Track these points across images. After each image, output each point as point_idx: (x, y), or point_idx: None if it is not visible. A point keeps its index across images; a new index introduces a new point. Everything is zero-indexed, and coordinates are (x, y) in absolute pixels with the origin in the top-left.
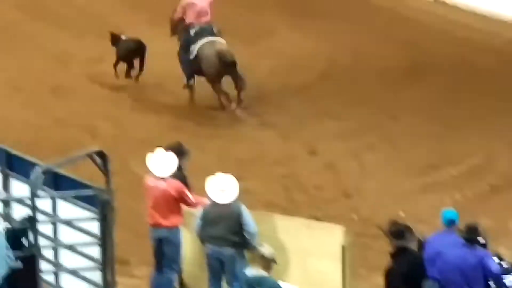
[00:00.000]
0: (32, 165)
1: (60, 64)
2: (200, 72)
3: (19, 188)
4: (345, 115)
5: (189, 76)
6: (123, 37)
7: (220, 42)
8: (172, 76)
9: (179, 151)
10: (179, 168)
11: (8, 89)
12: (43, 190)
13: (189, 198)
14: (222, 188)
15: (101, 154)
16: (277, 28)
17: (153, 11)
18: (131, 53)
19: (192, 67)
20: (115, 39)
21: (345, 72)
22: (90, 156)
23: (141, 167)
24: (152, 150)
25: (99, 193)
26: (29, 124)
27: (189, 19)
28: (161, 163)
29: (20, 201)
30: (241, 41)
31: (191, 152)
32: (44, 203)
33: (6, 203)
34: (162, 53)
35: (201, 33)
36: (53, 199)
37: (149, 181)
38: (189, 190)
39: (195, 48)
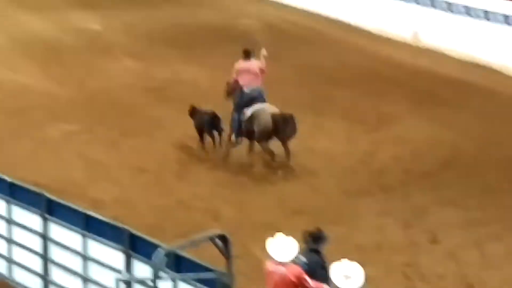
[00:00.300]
0: (155, 246)
1: (184, 147)
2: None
3: (141, 269)
4: (468, 204)
5: (237, 135)
6: (199, 109)
7: (273, 108)
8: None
9: (319, 237)
10: (317, 252)
11: (132, 171)
12: (165, 271)
13: (309, 284)
14: (347, 275)
15: (223, 238)
16: (400, 114)
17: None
18: (207, 124)
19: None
20: (193, 112)
21: (468, 160)
22: (212, 239)
23: (263, 251)
24: (273, 235)
25: (220, 276)
26: (152, 206)
27: (242, 82)
28: (282, 248)
29: (142, 282)
30: (364, 127)
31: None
32: (165, 285)
33: (128, 284)
34: None
35: (254, 97)
36: (174, 281)
37: (269, 266)
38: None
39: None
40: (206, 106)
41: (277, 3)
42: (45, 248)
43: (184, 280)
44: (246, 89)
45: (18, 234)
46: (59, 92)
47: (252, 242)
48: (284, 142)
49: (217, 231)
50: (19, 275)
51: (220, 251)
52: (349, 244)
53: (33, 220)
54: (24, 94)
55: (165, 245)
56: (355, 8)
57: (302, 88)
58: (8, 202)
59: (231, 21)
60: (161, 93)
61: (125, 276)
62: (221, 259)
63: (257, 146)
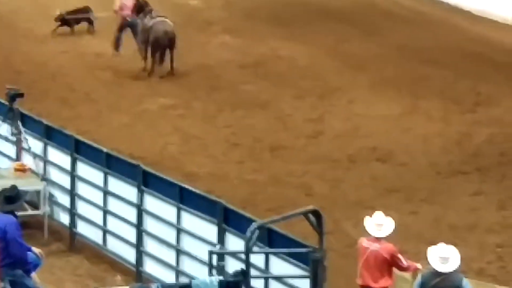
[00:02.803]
0: (248, 220)
1: (280, 123)
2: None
3: (234, 242)
4: None
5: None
6: None
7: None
8: (392, 141)
9: None
10: None
11: (227, 145)
12: (257, 245)
13: (402, 262)
14: (444, 256)
15: (316, 213)
16: (498, 96)
17: (373, 73)
18: None
19: None
20: None
21: None
22: (305, 214)
23: (354, 228)
24: (365, 212)
25: (312, 251)
26: (245, 180)
27: None
28: (379, 225)
29: (234, 255)
30: (460, 107)
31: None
32: (257, 259)
33: (221, 257)
34: (381, 117)
35: None
36: (266, 255)
37: (363, 242)
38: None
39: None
40: (303, 84)
41: None
42: (140, 219)
43: (276, 255)
44: None
45: (114, 205)
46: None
47: (344, 218)
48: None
49: (310, 206)
50: (114, 245)
51: (313, 226)
52: (442, 223)
53: (129, 191)
54: (124, 68)
55: (258, 219)
56: None
57: (400, 68)
58: (105, 172)
59: None
60: (258, 69)
61: (218, 248)
62: (312, 235)
63: None
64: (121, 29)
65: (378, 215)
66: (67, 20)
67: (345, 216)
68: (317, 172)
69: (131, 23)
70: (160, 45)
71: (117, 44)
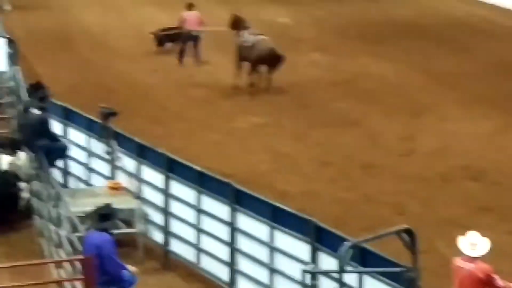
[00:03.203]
0: (340, 239)
1: (371, 141)
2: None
3: (327, 261)
4: None
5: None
6: None
7: None
8: (485, 159)
9: None
10: None
11: (317, 164)
12: (350, 264)
13: (497, 282)
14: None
15: (409, 232)
16: None
17: (463, 90)
18: None
19: None
20: None
21: None
22: (398, 233)
23: (448, 247)
24: (458, 231)
25: (405, 271)
26: (337, 199)
27: None
28: (472, 245)
29: (327, 274)
30: None
31: None
32: (350, 278)
33: (314, 275)
34: (473, 134)
35: None
36: (360, 274)
37: (458, 262)
38: None
39: None
40: (394, 101)
41: None
42: (233, 237)
43: (370, 274)
44: None
45: (207, 223)
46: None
47: (437, 237)
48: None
49: (403, 225)
50: (207, 263)
51: (406, 245)
52: None
53: (222, 209)
54: (216, 86)
55: (350, 238)
56: None
57: (492, 84)
58: (197, 191)
59: (420, 16)
60: (348, 87)
61: (311, 267)
62: (406, 254)
63: None
64: (184, 42)
65: (473, 234)
66: (161, 38)
67: (438, 235)
68: (409, 190)
69: (194, 36)
70: (264, 63)
71: (180, 56)
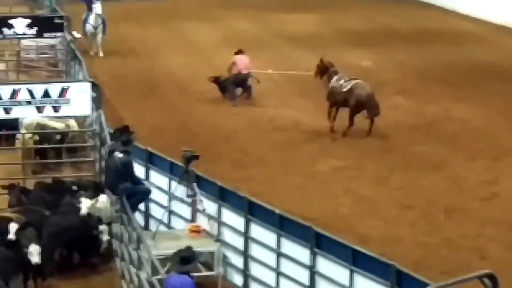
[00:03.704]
0: (422, 283)
1: (454, 185)
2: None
3: None
4: None
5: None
6: None
7: None
8: None
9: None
10: None
11: (398, 208)
12: None
13: None
14: None
15: (491, 278)
16: None
17: None
18: None
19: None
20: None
21: None
22: (480, 278)
23: None
24: None
25: None
26: (418, 243)
27: None
28: None
29: None
30: None
31: None
32: None
33: None
34: None
35: None
36: None
37: None
38: None
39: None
40: (477, 145)
41: None
42: (313, 281)
43: None
44: None
45: (287, 267)
46: (328, 127)
47: None
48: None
49: (486, 270)
50: None
51: None
52: None
53: (302, 253)
54: (297, 129)
55: (431, 283)
56: None
57: None
58: (277, 234)
59: (503, 59)
60: (431, 130)
61: None
62: None
63: None
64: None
65: None
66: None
67: None
68: (492, 235)
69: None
70: (363, 108)
71: (233, 98)
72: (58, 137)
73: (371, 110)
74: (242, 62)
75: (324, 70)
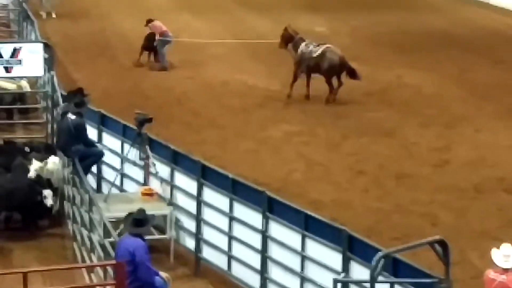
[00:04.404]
0: (373, 249)
1: (405, 151)
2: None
3: (358, 270)
4: None
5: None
6: None
7: None
8: (511, 169)
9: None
10: None
11: (350, 174)
12: (382, 274)
13: None
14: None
15: (442, 243)
16: None
17: (499, 102)
18: None
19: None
20: None
21: None
22: (431, 244)
23: (480, 259)
24: (494, 244)
25: (437, 282)
26: (370, 208)
27: None
28: (506, 256)
29: (359, 283)
30: None
31: None
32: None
33: (346, 285)
34: (509, 146)
35: None
36: (391, 285)
37: (490, 274)
38: None
39: None
40: (429, 112)
41: (504, 9)
42: (265, 245)
43: (401, 284)
44: None
45: (239, 231)
46: (282, 92)
47: (470, 249)
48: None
49: (436, 236)
50: (238, 270)
51: (439, 256)
52: None
53: (254, 217)
54: (250, 94)
55: (383, 248)
56: None
57: None
58: (230, 198)
59: (456, 27)
60: (383, 97)
61: (343, 277)
62: (438, 265)
63: None
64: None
65: (506, 246)
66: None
67: (471, 246)
68: (443, 201)
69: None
70: (336, 72)
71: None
72: (9, 98)
73: (352, 74)
74: (158, 27)
75: (289, 39)
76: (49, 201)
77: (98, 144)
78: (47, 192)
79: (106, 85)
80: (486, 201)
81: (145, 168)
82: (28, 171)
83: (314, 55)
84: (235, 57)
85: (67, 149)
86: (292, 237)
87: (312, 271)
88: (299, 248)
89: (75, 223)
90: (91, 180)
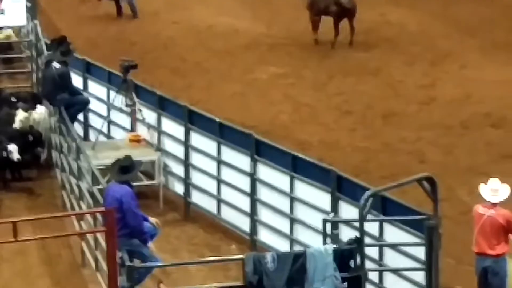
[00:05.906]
0: (361, 188)
1: (391, 90)
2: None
3: (347, 210)
4: None
5: None
6: None
7: None
8: (506, 106)
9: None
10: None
11: (338, 113)
12: (371, 213)
13: None
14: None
15: (430, 180)
16: None
17: (484, 37)
18: None
19: None
20: None
21: None
22: (419, 181)
23: (469, 195)
24: (479, 179)
25: (426, 219)
26: (357, 148)
27: None
28: (494, 190)
29: (348, 223)
30: None
31: None
32: (371, 226)
33: (335, 225)
34: (494, 82)
35: None
36: (381, 223)
37: (478, 209)
38: None
39: None
40: (414, 49)
41: None
42: (253, 188)
43: (390, 222)
44: None
45: (227, 174)
46: (268, 35)
47: (458, 185)
48: None
49: (424, 173)
50: (228, 214)
51: (427, 193)
52: None
53: (242, 160)
54: (235, 37)
55: (371, 187)
56: None
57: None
58: (218, 142)
59: None
60: (368, 35)
61: (332, 217)
62: (427, 202)
63: None
64: None
65: (494, 181)
66: None
67: (459, 182)
68: (430, 138)
69: None
70: (347, 15)
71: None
72: None
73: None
74: None
75: None
76: (15, 156)
77: (83, 92)
78: (12, 147)
79: (90, 33)
80: (473, 137)
81: (132, 114)
82: (13, 122)
83: None
84: (219, 0)
85: (52, 98)
86: (280, 179)
87: (301, 212)
88: (287, 189)
89: (63, 172)
90: (78, 129)
